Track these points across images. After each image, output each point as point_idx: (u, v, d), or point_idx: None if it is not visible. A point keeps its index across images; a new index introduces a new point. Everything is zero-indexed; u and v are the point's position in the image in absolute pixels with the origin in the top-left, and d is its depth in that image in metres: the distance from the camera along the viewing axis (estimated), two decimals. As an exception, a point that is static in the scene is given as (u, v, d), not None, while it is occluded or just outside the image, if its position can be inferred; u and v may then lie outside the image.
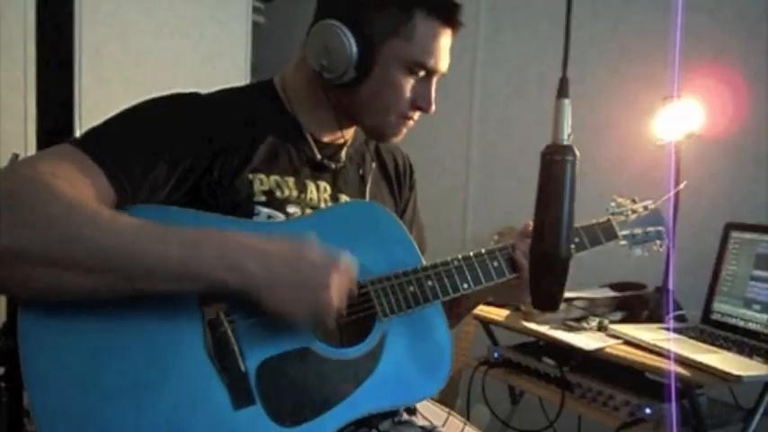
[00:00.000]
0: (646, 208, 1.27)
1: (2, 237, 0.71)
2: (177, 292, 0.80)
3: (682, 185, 1.63)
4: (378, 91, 1.00)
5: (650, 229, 1.26)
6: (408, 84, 1.01)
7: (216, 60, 2.81)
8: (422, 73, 1.01)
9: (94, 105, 2.27)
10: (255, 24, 3.02)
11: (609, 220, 1.21)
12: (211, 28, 2.80)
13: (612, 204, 1.24)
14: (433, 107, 1.04)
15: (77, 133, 1.71)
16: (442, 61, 1.02)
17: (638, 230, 1.25)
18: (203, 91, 1.00)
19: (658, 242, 1.27)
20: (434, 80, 1.04)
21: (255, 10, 3.04)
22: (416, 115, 1.05)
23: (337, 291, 0.86)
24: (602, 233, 1.19)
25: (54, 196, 0.75)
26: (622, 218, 1.23)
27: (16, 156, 1.77)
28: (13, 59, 2.22)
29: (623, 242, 1.23)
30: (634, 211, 1.25)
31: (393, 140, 1.08)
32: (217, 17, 2.82)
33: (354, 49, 0.96)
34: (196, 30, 2.75)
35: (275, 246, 0.84)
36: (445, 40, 1.01)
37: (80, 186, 0.79)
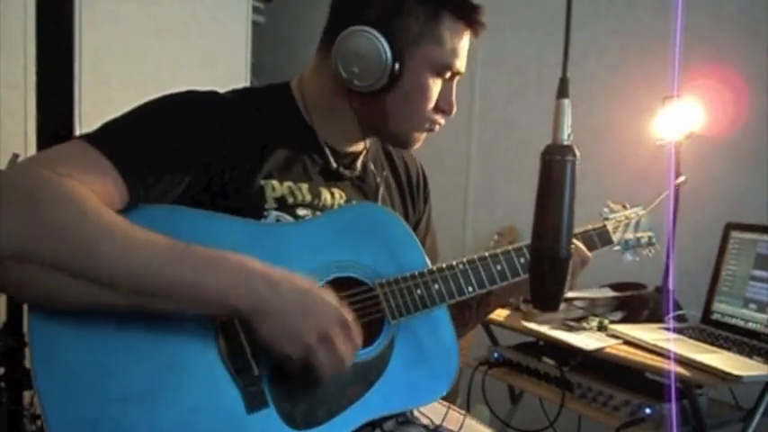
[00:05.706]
0: (637, 214, 1.29)
1: (15, 237, 0.71)
2: (185, 314, 0.80)
3: (681, 179, 1.64)
4: (406, 96, 0.99)
5: (641, 234, 1.28)
6: (436, 87, 1.01)
7: (216, 60, 2.81)
8: (447, 75, 1.01)
9: (94, 105, 2.27)
10: (255, 24, 3.02)
11: (604, 225, 1.22)
12: (211, 28, 2.80)
13: (605, 210, 1.26)
14: (455, 109, 1.04)
15: (77, 133, 1.71)
16: (464, 63, 1.03)
17: (629, 236, 1.27)
18: (220, 90, 0.99)
19: (649, 248, 1.30)
20: (454, 82, 1.04)
21: (255, 10, 3.05)
22: (442, 121, 1.05)
23: (342, 342, 0.84)
24: (598, 238, 1.20)
25: (71, 203, 0.74)
26: (615, 223, 1.24)
27: (16, 156, 1.77)
28: (13, 59, 2.22)
29: (617, 247, 1.25)
30: (626, 217, 1.27)
31: (414, 147, 1.07)
32: (217, 17, 2.82)
33: (389, 55, 0.95)
34: (196, 30, 2.75)
35: (289, 281, 0.83)
36: (467, 41, 1.02)
37: (94, 186, 0.78)
